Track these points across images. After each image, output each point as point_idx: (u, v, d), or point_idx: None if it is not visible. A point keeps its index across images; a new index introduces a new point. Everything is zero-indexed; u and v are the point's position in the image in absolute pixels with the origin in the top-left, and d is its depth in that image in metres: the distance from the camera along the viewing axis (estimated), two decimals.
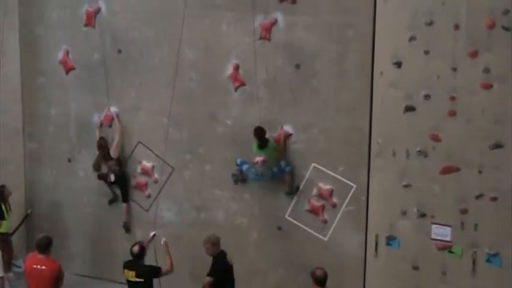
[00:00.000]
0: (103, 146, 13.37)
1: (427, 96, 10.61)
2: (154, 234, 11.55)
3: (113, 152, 13.31)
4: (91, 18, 13.37)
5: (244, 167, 12.17)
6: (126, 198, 13.63)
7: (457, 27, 10.28)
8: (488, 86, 10.19)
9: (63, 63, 13.79)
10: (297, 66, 11.87)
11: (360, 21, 11.31)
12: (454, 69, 10.37)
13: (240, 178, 12.46)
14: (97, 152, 13.46)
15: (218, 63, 12.48)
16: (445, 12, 10.33)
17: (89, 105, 13.71)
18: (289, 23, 11.84)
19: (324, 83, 11.73)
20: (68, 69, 13.78)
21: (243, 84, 12.30)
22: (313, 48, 11.73)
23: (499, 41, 10.02)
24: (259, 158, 11.78)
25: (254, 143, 11.94)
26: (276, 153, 11.94)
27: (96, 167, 13.55)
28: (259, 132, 11.85)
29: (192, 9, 12.32)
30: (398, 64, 10.77)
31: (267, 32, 12.00)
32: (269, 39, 12.01)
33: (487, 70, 10.15)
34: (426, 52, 10.53)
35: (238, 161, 12.28)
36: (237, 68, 12.29)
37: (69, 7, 13.60)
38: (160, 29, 12.88)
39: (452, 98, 10.43)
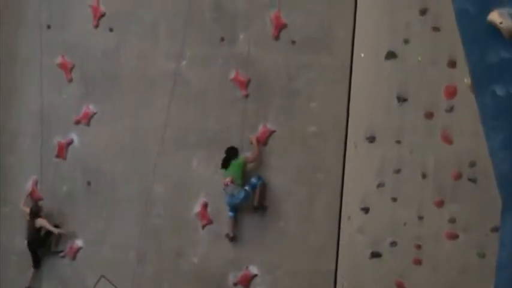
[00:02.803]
0: (33, 211, 13.21)
1: (393, 243, 10.64)
2: None
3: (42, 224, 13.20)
4: (63, 150, 13.38)
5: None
6: (36, 264, 13.39)
7: (424, 176, 10.44)
8: (453, 236, 10.26)
9: (31, 193, 13.66)
10: (264, 208, 11.89)
11: (329, 165, 11.45)
12: (421, 218, 10.45)
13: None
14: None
15: (187, 200, 12.48)
16: (413, 160, 10.53)
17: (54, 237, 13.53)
18: (259, 164, 11.93)
19: (292, 225, 11.75)
20: (36, 200, 13.65)
21: (210, 222, 12.26)
22: (281, 189, 11.80)
23: (465, 192, 10.21)
24: (227, 179, 11.75)
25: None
26: (242, 169, 11.82)
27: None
28: (229, 152, 11.89)
29: (164, 145, 12.44)
30: (366, 210, 10.85)
31: None
32: None
33: (452, 220, 10.26)
34: (394, 199, 10.64)
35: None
36: (205, 206, 12.29)
37: (41, 137, 13.58)
38: (131, 163, 12.89)
39: (418, 247, 10.47)
